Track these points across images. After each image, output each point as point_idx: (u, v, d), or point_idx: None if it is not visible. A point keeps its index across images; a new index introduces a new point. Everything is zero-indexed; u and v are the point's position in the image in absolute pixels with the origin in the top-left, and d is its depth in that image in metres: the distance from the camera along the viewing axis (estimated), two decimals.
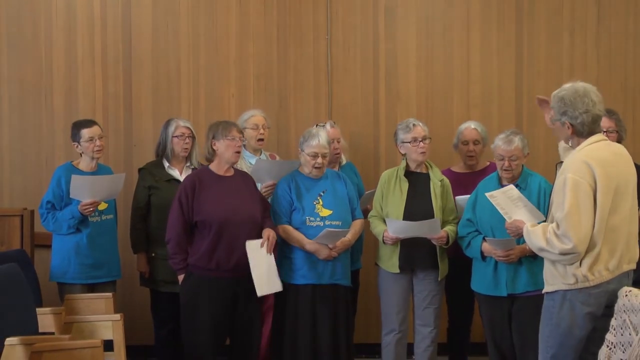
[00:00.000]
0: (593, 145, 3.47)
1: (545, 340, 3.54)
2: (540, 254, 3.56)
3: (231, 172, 4.38)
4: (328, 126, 4.93)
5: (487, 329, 4.45)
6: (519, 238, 4.01)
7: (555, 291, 3.49)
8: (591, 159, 3.40)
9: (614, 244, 3.41)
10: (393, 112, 5.69)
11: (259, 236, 4.31)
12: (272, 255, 4.27)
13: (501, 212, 4.00)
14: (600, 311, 3.42)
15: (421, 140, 4.55)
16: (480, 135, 4.95)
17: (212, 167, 4.38)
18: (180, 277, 4.30)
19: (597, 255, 3.38)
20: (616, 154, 3.52)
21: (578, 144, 3.50)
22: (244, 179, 4.43)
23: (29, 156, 5.62)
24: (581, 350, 3.48)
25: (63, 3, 5.63)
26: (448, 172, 4.96)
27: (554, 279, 3.50)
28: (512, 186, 4.11)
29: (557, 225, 3.40)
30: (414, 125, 4.57)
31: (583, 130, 3.48)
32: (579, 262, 3.39)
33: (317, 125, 4.89)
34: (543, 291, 3.59)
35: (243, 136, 4.43)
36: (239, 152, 4.35)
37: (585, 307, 3.41)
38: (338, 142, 4.97)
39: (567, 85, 3.55)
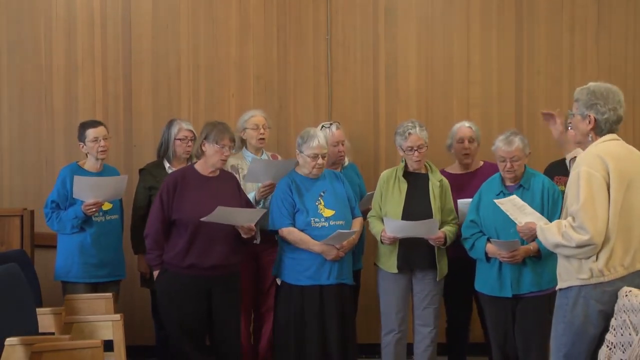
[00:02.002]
0: (608, 142, 3.47)
1: (559, 338, 3.50)
2: (556, 250, 3.51)
3: (216, 173, 4.39)
4: (334, 128, 4.92)
5: (490, 329, 4.45)
6: (532, 240, 3.99)
7: (569, 287, 3.45)
8: (605, 153, 3.40)
9: (628, 240, 3.39)
10: (393, 112, 5.69)
11: (237, 239, 4.33)
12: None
13: (511, 217, 3.99)
14: (612, 310, 3.38)
15: (416, 150, 4.55)
16: (474, 133, 4.95)
17: (198, 166, 4.39)
18: (156, 273, 4.34)
19: (612, 250, 3.36)
20: (630, 151, 3.53)
21: (593, 142, 3.49)
22: (228, 180, 4.44)
23: (29, 156, 5.62)
24: (593, 350, 3.44)
25: (63, 4, 5.63)
26: (443, 173, 4.96)
27: (568, 275, 3.46)
28: (515, 196, 4.09)
29: (573, 218, 3.38)
30: (409, 133, 4.54)
31: (604, 128, 3.48)
32: (595, 256, 3.37)
33: (322, 126, 4.89)
34: (556, 288, 3.55)
35: (234, 144, 4.43)
36: (224, 161, 4.36)
37: (598, 305, 3.38)
38: (342, 144, 4.94)
39: (595, 83, 3.54)
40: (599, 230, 3.33)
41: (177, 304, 4.26)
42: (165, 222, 4.29)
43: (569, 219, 3.41)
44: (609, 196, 3.36)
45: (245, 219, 4.26)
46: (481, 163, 5.00)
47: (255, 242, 4.53)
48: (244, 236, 4.32)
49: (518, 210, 3.97)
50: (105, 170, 4.84)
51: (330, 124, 4.96)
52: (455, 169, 5.00)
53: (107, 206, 4.75)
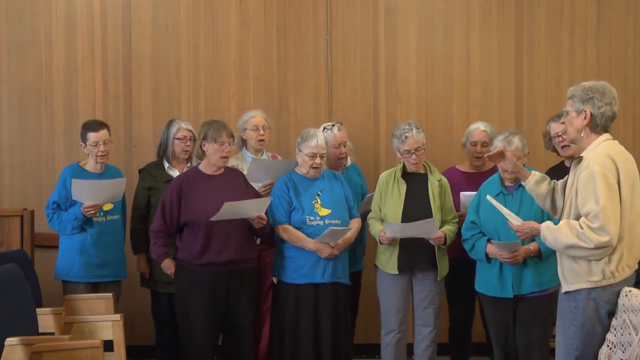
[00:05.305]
0: (609, 142, 3.47)
1: (570, 342, 3.46)
2: (567, 252, 3.45)
3: (220, 170, 4.41)
4: (335, 130, 4.90)
5: (492, 330, 4.43)
6: (529, 240, 3.96)
7: (578, 290, 3.43)
8: (613, 153, 3.40)
9: (632, 241, 3.41)
10: (393, 113, 5.69)
11: (251, 232, 4.37)
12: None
13: (504, 214, 3.98)
14: (614, 308, 3.40)
15: (414, 152, 4.54)
16: (489, 136, 4.88)
17: (202, 166, 4.42)
18: (167, 266, 4.37)
19: (622, 251, 3.37)
20: (626, 152, 3.52)
21: (587, 139, 3.48)
22: (233, 176, 4.46)
23: (29, 157, 5.62)
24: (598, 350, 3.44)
25: (63, 3, 5.63)
26: (454, 171, 4.95)
27: (576, 278, 3.43)
28: (488, 196, 4.08)
29: (590, 220, 3.34)
30: (406, 137, 4.52)
31: (599, 124, 3.45)
32: (608, 258, 3.36)
33: (324, 128, 4.88)
34: (562, 291, 3.52)
35: (233, 139, 4.44)
36: (226, 158, 4.37)
37: (607, 306, 3.38)
38: (344, 145, 4.93)
39: (589, 82, 3.53)
40: (617, 231, 3.33)
41: (196, 303, 4.26)
42: (169, 221, 4.31)
43: (584, 219, 3.37)
44: (619, 197, 3.35)
45: (253, 209, 4.26)
46: (493, 164, 4.97)
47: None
48: (257, 227, 4.33)
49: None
50: (106, 171, 4.85)
51: (332, 125, 4.94)
52: (467, 167, 4.98)
53: (108, 206, 4.76)
